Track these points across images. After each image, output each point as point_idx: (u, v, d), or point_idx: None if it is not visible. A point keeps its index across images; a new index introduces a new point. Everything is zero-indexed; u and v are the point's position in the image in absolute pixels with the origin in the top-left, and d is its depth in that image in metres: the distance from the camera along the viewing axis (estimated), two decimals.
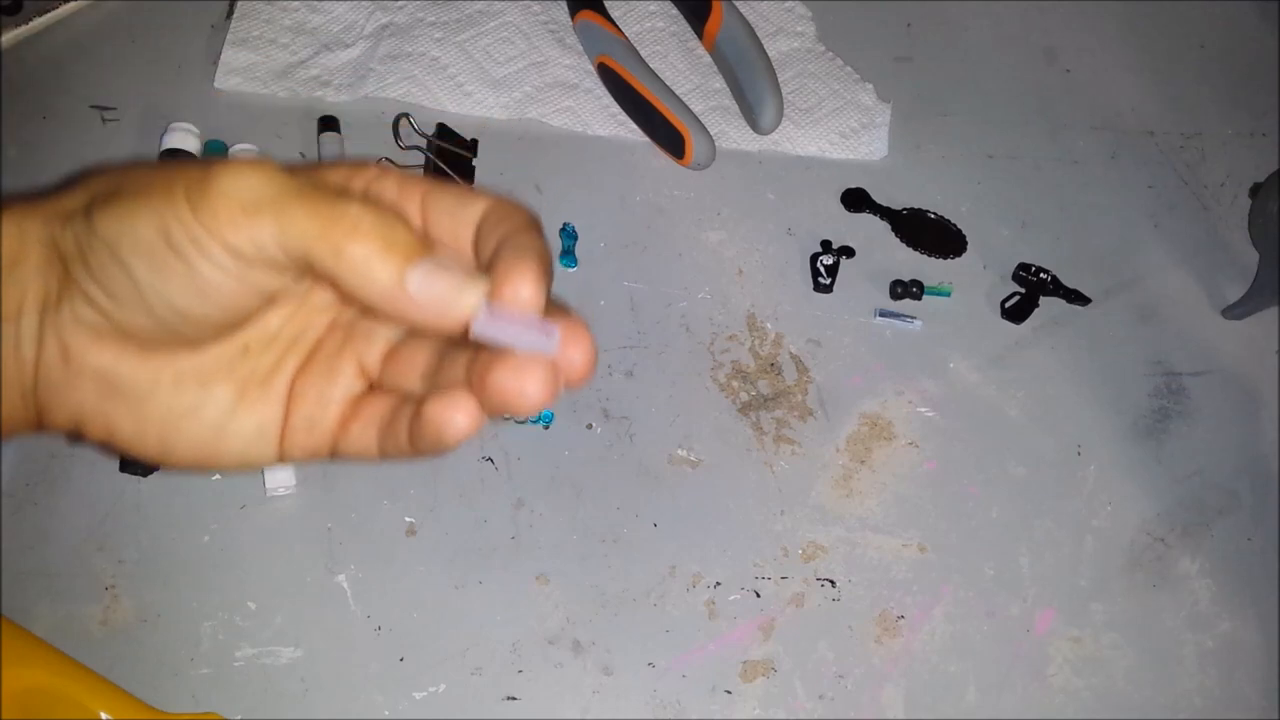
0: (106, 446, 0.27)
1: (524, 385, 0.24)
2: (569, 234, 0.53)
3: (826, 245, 0.54)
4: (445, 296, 0.24)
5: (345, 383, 0.28)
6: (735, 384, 0.50)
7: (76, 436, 0.27)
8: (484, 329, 0.24)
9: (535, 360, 0.24)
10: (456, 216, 0.27)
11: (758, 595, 0.45)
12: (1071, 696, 0.44)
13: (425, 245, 0.25)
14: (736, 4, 0.59)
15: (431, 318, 0.25)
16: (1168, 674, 0.45)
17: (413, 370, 0.28)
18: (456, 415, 0.25)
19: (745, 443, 0.49)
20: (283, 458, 0.29)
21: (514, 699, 0.42)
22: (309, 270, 0.24)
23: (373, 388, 0.28)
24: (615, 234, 0.54)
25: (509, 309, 0.24)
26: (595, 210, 0.54)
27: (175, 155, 0.51)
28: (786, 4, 0.62)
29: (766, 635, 0.44)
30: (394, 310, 0.25)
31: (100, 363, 0.26)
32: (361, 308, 0.27)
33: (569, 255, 0.52)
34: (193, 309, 0.25)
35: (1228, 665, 0.46)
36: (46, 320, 0.25)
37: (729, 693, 0.43)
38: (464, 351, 0.26)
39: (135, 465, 0.44)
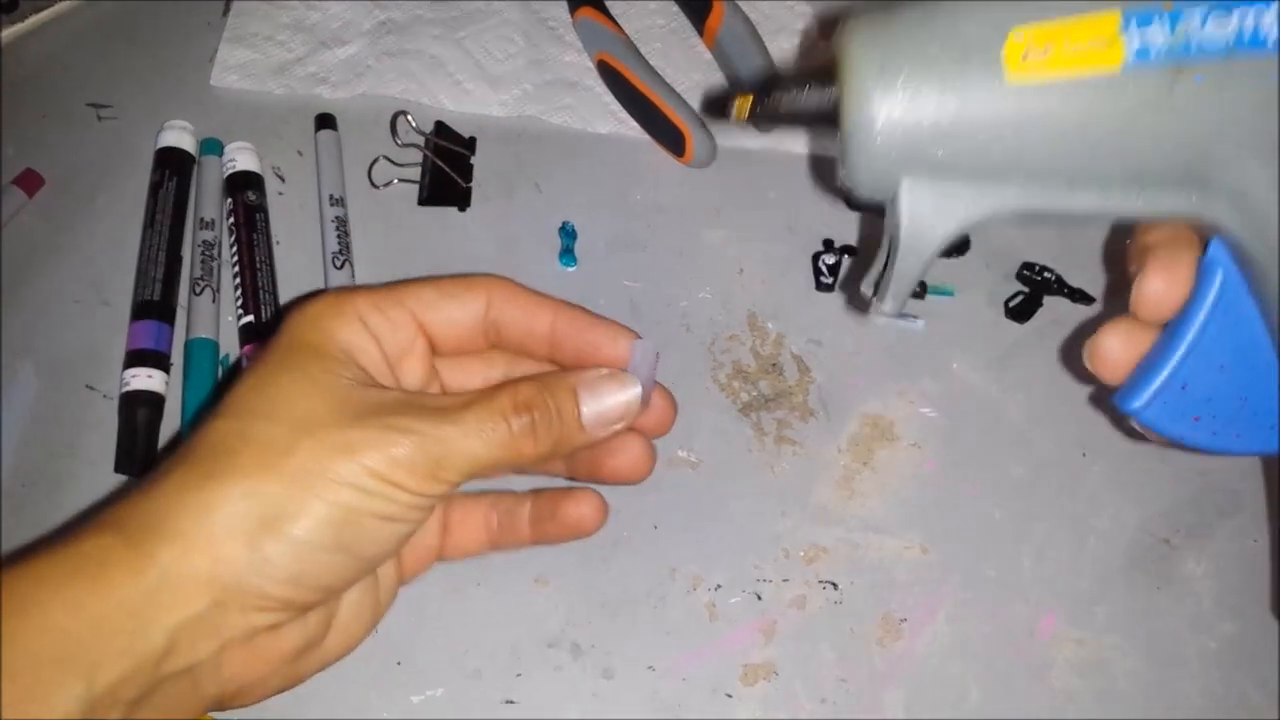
0: None
1: (637, 465, 0.37)
2: (568, 233, 0.52)
3: (828, 244, 0.54)
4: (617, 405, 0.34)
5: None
6: (736, 384, 0.50)
7: None
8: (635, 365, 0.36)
9: (641, 443, 0.37)
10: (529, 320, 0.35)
11: (759, 597, 0.45)
12: (1073, 698, 0.44)
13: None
14: (738, 1, 0.58)
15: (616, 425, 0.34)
16: (1170, 675, 0.45)
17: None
18: (586, 509, 0.37)
19: (746, 443, 0.49)
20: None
21: (512, 702, 0.42)
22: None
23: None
24: (615, 233, 0.53)
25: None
26: (595, 209, 0.54)
27: (171, 152, 0.51)
28: (788, 2, 0.61)
29: (768, 638, 0.44)
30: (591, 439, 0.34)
31: None
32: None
33: (569, 254, 0.52)
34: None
35: (1231, 667, 0.45)
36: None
37: (730, 696, 0.43)
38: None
39: (129, 464, 0.44)
